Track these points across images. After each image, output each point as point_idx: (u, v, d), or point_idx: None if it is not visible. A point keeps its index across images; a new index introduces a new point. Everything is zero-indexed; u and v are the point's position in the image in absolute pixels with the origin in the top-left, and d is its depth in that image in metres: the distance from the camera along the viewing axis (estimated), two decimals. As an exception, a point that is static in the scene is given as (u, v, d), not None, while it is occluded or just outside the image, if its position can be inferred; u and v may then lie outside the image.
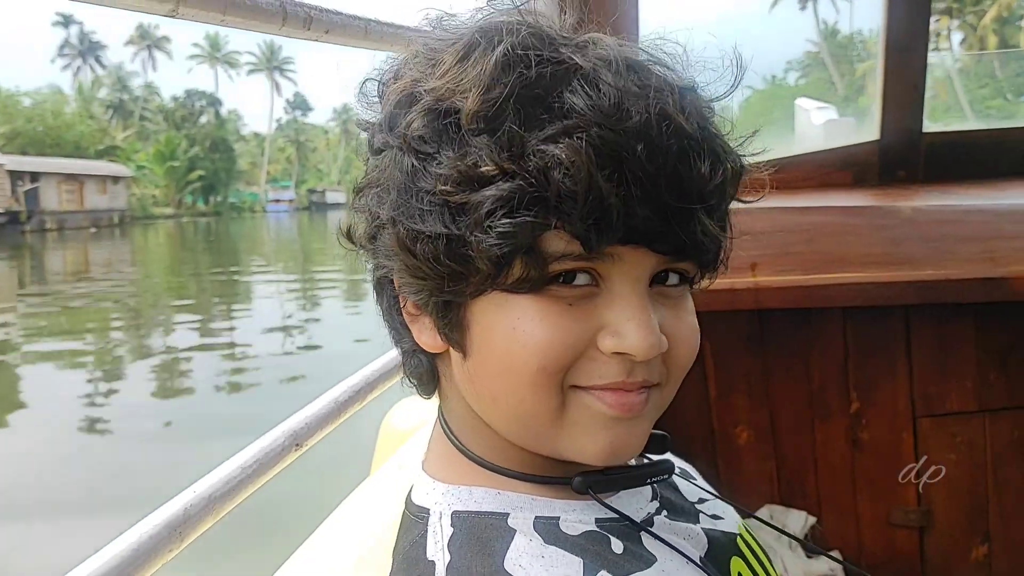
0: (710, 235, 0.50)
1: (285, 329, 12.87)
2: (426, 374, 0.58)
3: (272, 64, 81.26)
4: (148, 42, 76.69)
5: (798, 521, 1.78)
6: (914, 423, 1.80)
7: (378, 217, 0.52)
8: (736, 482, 1.83)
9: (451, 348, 0.53)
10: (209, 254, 30.91)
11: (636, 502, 0.57)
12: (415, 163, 0.49)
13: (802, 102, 3.38)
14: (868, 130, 2.27)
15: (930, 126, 2.31)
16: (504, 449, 0.54)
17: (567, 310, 0.48)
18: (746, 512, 0.65)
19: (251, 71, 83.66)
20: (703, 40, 0.55)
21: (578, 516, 0.53)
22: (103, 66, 76.53)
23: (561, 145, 0.45)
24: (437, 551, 0.52)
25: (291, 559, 0.84)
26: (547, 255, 0.47)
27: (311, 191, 77.74)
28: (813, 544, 1.80)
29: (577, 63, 0.48)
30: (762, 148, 0.55)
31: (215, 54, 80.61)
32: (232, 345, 11.83)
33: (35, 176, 41.76)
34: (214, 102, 70.88)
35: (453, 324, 0.51)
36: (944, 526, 1.81)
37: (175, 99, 70.86)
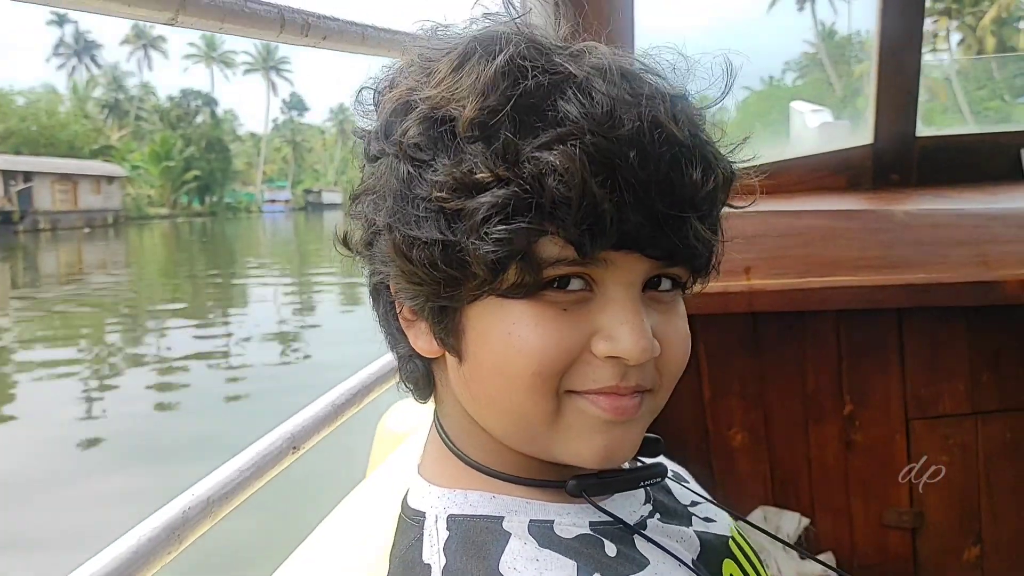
0: (702, 240, 0.50)
1: (281, 336, 12.48)
2: (422, 379, 0.58)
3: (268, 64, 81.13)
4: (144, 42, 76.50)
5: (792, 522, 1.79)
6: (907, 425, 1.81)
7: (374, 224, 0.53)
8: (730, 483, 1.84)
9: (447, 353, 0.54)
10: (204, 255, 30.51)
11: (629, 505, 0.58)
12: (411, 170, 0.50)
13: (797, 105, 3.39)
14: (864, 131, 2.28)
15: (924, 129, 2.32)
16: (499, 453, 0.55)
17: (561, 315, 0.49)
18: (737, 516, 0.65)
19: (247, 71, 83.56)
20: (697, 46, 0.56)
21: (572, 519, 0.54)
22: (98, 65, 76.34)
23: (555, 152, 0.46)
24: (433, 554, 0.52)
25: (288, 561, 0.85)
26: (542, 260, 0.48)
27: (307, 191, 77.64)
28: (804, 549, 1.81)
29: (571, 72, 0.49)
30: (753, 154, 0.56)
31: (211, 54, 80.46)
32: (226, 354, 11.28)
33: (28, 176, 41.52)
34: (210, 102, 70.73)
35: (449, 329, 0.52)
36: (936, 527, 1.82)
37: (171, 99, 70.69)
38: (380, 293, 0.58)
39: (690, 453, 1.82)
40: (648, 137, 0.47)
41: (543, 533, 0.53)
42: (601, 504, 0.55)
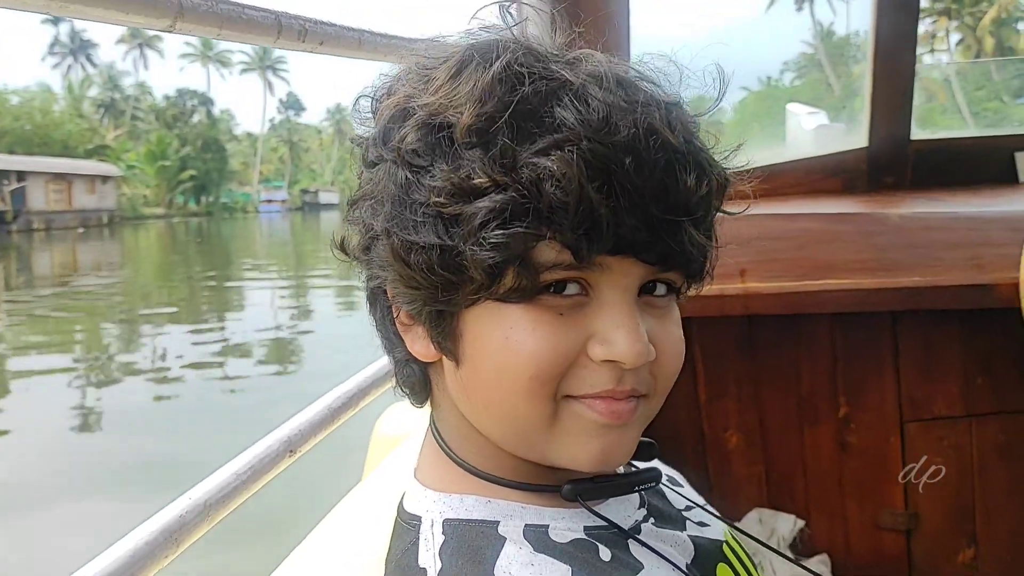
0: (696, 246, 0.51)
1: (277, 341, 12.12)
2: (418, 383, 0.59)
3: (265, 64, 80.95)
4: (139, 41, 76.28)
5: (787, 524, 1.80)
6: (901, 427, 1.82)
7: (372, 228, 0.53)
8: (726, 486, 1.84)
9: (444, 357, 0.54)
10: (199, 256, 30.19)
11: (624, 510, 0.58)
12: (409, 176, 0.50)
13: (793, 107, 3.39)
14: (861, 132, 2.29)
15: (923, 131, 2.33)
16: (495, 457, 0.56)
17: (558, 319, 0.50)
18: (728, 523, 0.66)
19: (244, 70, 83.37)
20: (695, 48, 0.56)
21: (567, 524, 0.54)
22: (94, 65, 76.12)
23: (552, 158, 0.46)
24: (428, 558, 0.53)
25: (283, 563, 0.85)
26: (539, 265, 0.48)
27: (304, 191, 77.49)
28: (798, 553, 1.81)
29: (567, 79, 0.49)
30: (747, 161, 0.57)
31: (207, 53, 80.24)
32: (221, 364, 10.68)
33: (22, 175, 41.33)
34: (206, 101, 70.61)
35: (446, 333, 0.52)
36: (931, 529, 1.83)
37: (167, 98, 70.57)
38: (377, 298, 0.58)
39: (686, 455, 1.83)
40: (643, 143, 0.48)
41: (538, 538, 0.53)
42: (596, 509, 0.55)
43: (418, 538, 0.54)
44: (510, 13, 0.56)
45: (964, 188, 2.18)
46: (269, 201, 73.30)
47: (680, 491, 0.67)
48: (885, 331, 1.81)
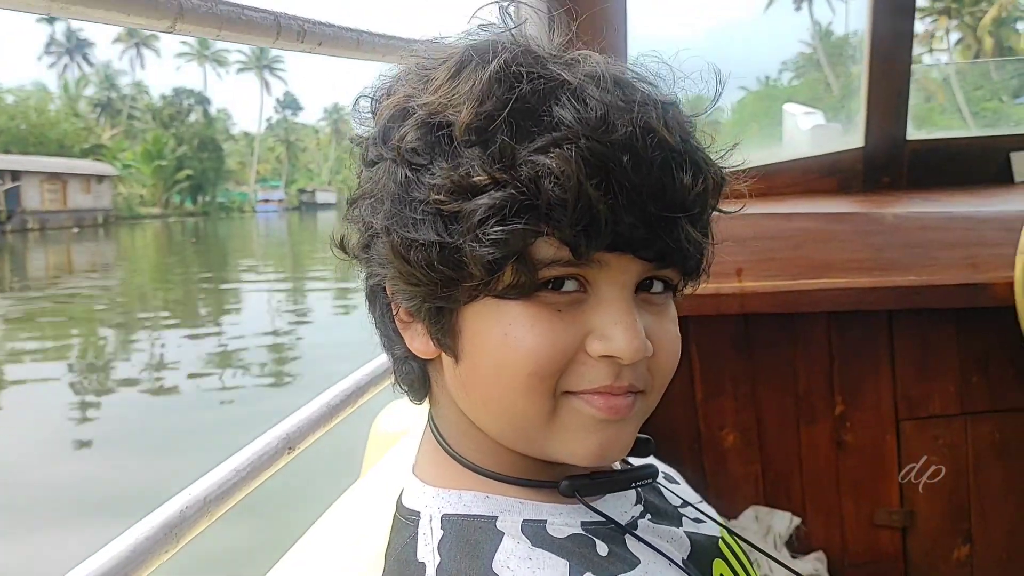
0: (693, 243, 0.52)
1: (275, 346, 11.49)
2: (417, 380, 0.59)
3: (262, 63, 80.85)
4: (136, 40, 76.14)
5: (783, 522, 1.81)
6: (897, 426, 1.82)
7: (372, 227, 0.54)
8: (722, 484, 1.85)
9: (443, 353, 0.55)
10: (196, 256, 29.84)
11: (621, 506, 0.59)
12: (408, 174, 0.51)
13: (790, 107, 3.40)
14: (858, 132, 2.30)
15: (914, 133, 2.34)
16: (493, 453, 0.56)
17: (556, 316, 0.50)
18: (718, 523, 0.66)
19: (240, 70, 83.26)
20: (694, 48, 0.57)
21: (564, 519, 0.55)
22: (90, 64, 75.98)
23: (551, 155, 0.47)
24: (427, 553, 0.53)
25: (282, 560, 0.86)
26: (537, 262, 0.49)
27: (301, 191, 77.45)
28: (791, 552, 1.82)
29: (565, 79, 0.50)
30: (742, 160, 0.57)
31: (204, 52, 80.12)
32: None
33: (16, 175, 41.10)
34: (202, 100, 70.51)
35: (445, 330, 0.53)
36: (927, 527, 1.84)
37: (164, 97, 70.43)
38: (376, 295, 0.59)
39: (682, 453, 1.83)
40: (641, 142, 0.48)
41: (536, 533, 0.53)
42: (593, 504, 0.56)
43: (417, 533, 0.55)
44: (509, 14, 0.57)
45: (960, 188, 2.19)
46: (266, 201, 73.18)
47: (676, 488, 0.68)
48: (881, 330, 1.81)
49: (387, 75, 0.58)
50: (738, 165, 0.57)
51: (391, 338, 0.59)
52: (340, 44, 0.75)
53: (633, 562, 0.54)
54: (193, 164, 61.41)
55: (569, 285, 0.50)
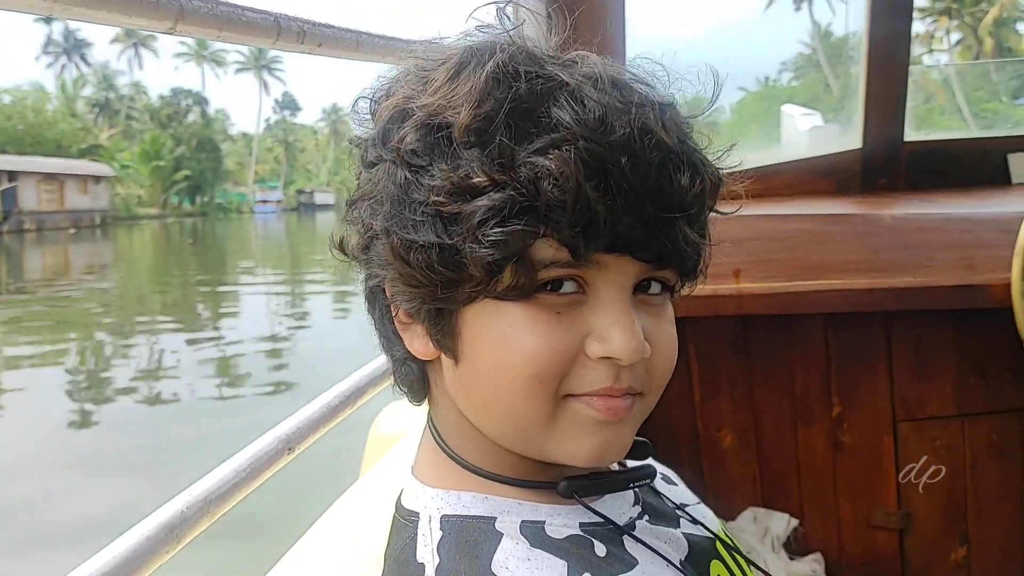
0: (690, 243, 0.52)
1: (273, 351, 11.15)
2: (416, 381, 0.59)
3: (260, 63, 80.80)
4: (135, 40, 76.03)
5: (780, 523, 1.81)
6: (894, 427, 1.83)
7: (371, 228, 0.54)
8: (720, 485, 1.85)
9: (443, 354, 0.55)
10: (194, 257, 29.57)
11: (619, 507, 0.59)
12: (408, 175, 0.51)
13: (787, 108, 3.42)
14: (856, 134, 2.30)
15: (913, 134, 2.35)
16: (492, 454, 0.56)
17: (555, 318, 0.50)
18: (707, 528, 0.67)
19: (239, 70, 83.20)
20: (693, 48, 0.57)
21: (563, 520, 0.55)
22: (88, 64, 75.89)
23: (550, 157, 0.47)
24: (427, 553, 0.53)
25: (281, 561, 0.86)
26: (536, 262, 0.49)
27: (299, 192, 77.39)
28: (791, 550, 1.83)
29: (563, 80, 0.50)
30: (739, 161, 0.58)
31: (202, 52, 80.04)
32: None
33: (13, 175, 40.97)
34: (201, 101, 70.44)
35: (445, 331, 0.53)
36: (924, 528, 1.84)
37: (162, 98, 70.35)
38: (376, 297, 0.59)
39: (680, 454, 1.84)
40: (639, 143, 0.49)
41: (535, 533, 0.54)
42: (591, 505, 0.56)
43: (416, 534, 0.55)
44: (507, 16, 0.57)
45: (957, 189, 2.20)
46: (264, 202, 73.13)
47: (674, 489, 0.68)
48: (878, 331, 1.82)
49: (386, 76, 0.59)
50: (735, 166, 0.57)
51: (390, 339, 0.59)
52: (340, 45, 0.75)
53: (631, 563, 0.54)
54: (191, 165, 61.32)
55: (568, 286, 0.50)
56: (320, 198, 74.27)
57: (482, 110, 0.49)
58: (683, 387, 1.83)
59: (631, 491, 0.61)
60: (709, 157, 0.55)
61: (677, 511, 0.65)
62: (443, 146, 0.50)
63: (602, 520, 0.56)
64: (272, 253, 31.92)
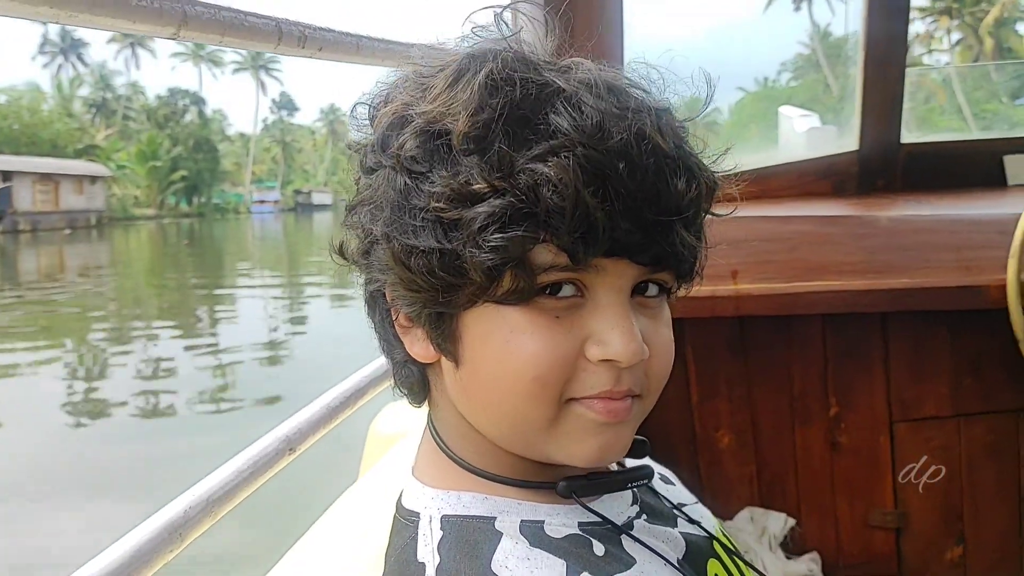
0: (687, 246, 0.53)
1: (272, 358, 11.02)
2: (416, 383, 0.60)
3: (258, 63, 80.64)
4: (132, 40, 75.83)
5: (778, 523, 1.82)
6: (891, 427, 1.84)
7: (371, 233, 0.54)
8: (718, 485, 1.86)
9: (443, 358, 0.55)
10: (191, 258, 29.23)
11: (617, 506, 0.60)
12: (408, 181, 0.52)
13: (785, 110, 3.42)
14: (853, 135, 2.31)
15: (910, 136, 2.36)
16: (492, 455, 0.57)
17: (555, 322, 0.51)
18: (704, 528, 0.67)
19: (236, 70, 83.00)
20: (688, 54, 0.58)
21: (562, 520, 0.56)
22: (85, 64, 75.69)
23: (549, 164, 0.48)
24: (427, 553, 0.54)
25: (281, 561, 0.86)
26: (535, 267, 0.49)
27: (297, 192, 77.22)
28: (788, 550, 1.83)
29: (560, 86, 0.51)
30: (735, 164, 0.58)
31: (199, 52, 79.84)
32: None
33: (7, 175, 40.69)
34: (198, 101, 70.26)
35: (446, 335, 0.54)
36: (920, 527, 1.85)
37: (159, 98, 70.21)
38: (376, 301, 0.59)
39: (678, 455, 1.84)
40: (636, 149, 0.49)
41: (534, 533, 0.54)
42: (590, 505, 0.57)
43: (417, 533, 0.56)
44: (504, 22, 0.58)
45: (953, 191, 2.21)
46: (261, 202, 72.90)
47: (672, 489, 0.69)
48: (875, 332, 1.83)
49: (384, 83, 0.59)
50: (731, 169, 0.58)
51: (391, 343, 0.60)
52: (340, 49, 0.76)
53: (629, 562, 0.55)
54: (188, 165, 61.12)
55: (566, 290, 0.51)
56: (318, 198, 74.16)
57: (480, 117, 0.50)
58: (681, 388, 1.84)
59: (629, 491, 0.62)
60: (705, 161, 0.55)
61: (675, 511, 0.65)
62: (442, 153, 0.51)
63: (600, 520, 0.56)
64: (270, 255, 31.63)
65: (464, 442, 0.58)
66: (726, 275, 1.65)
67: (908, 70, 2.26)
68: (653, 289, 0.54)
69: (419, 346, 0.56)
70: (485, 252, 0.48)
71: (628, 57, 0.61)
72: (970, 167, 2.35)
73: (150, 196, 59.71)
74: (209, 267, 26.11)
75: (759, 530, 1.80)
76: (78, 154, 54.73)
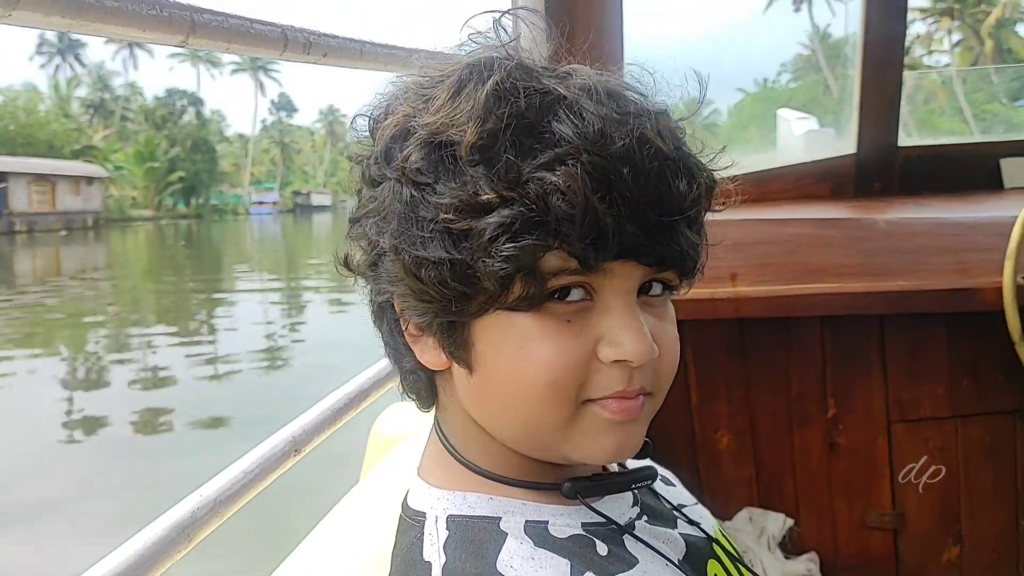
0: (690, 245, 0.54)
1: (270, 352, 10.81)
2: (425, 389, 0.61)
3: (256, 64, 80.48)
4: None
5: (776, 523, 1.83)
6: (888, 428, 1.85)
7: (378, 245, 0.55)
8: (717, 486, 1.87)
9: (455, 364, 0.56)
10: (188, 260, 28.91)
11: (619, 507, 0.60)
12: (414, 193, 0.52)
13: (783, 113, 3.43)
14: (851, 138, 2.32)
15: (907, 139, 2.37)
16: (498, 456, 0.58)
17: (566, 326, 0.52)
18: (703, 529, 0.68)
19: (235, 71, 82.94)
20: (687, 55, 0.59)
21: (566, 520, 0.57)
22: (83, 64, 75.61)
23: (557, 172, 0.48)
24: (433, 552, 0.55)
25: (286, 561, 0.87)
26: (546, 273, 0.50)
27: (296, 193, 77.13)
28: (787, 550, 1.84)
29: (561, 93, 0.51)
30: (731, 162, 0.59)
31: (197, 53, 79.71)
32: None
33: (3, 176, 40.41)
34: (196, 102, 70.14)
35: (458, 343, 0.54)
36: (918, 528, 1.86)
37: (157, 98, 70.10)
38: (384, 311, 0.60)
39: (677, 456, 1.85)
40: (638, 153, 0.50)
41: (538, 533, 0.55)
42: (593, 506, 0.57)
43: (423, 533, 0.56)
44: (503, 28, 0.58)
45: (950, 194, 2.22)
46: (260, 203, 72.76)
47: (672, 490, 0.70)
48: (873, 334, 1.84)
49: (383, 94, 0.59)
50: (728, 166, 0.59)
51: (400, 351, 0.60)
52: (344, 55, 0.77)
53: (631, 562, 0.56)
54: (186, 166, 60.98)
55: (575, 294, 0.52)
56: (317, 199, 74.13)
57: (485, 128, 0.50)
58: (680, 389, 1.85)
59: (630, 492, 0.63)
60: (703, 160, 0.56)
61: (675, 512, 0.66)
62: (448, 164, 0.51)
63: (604, 520, 0.57)
64: (269, 257, 31.33)
65: (471, 444, 0.59)
66: (725, 277, 1.66)
67: (909, 72, 2.27)
68: (658, 288, 0.55)
69: (430, 354, 0.57)
70: (498, 262, 0.49)
71: (627, 59, 0.61)
72: (967, 170, 2.36)
73: (148, 197, 59.56)
74: (209, 269, 25.85)
75: (758, 530, 1.81)
76: (75, 155, 54.56)
